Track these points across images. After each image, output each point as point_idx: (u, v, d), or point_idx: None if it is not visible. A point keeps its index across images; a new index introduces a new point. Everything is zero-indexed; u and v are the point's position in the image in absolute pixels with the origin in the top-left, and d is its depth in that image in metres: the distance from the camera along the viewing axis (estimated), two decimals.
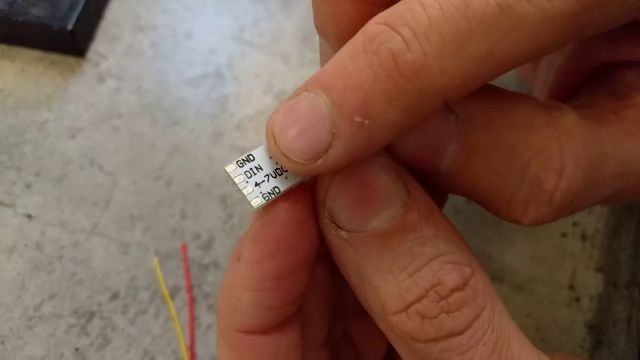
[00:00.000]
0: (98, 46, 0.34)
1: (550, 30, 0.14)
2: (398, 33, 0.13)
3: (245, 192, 0.16)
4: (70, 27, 0.32)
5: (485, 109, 0.16)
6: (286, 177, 0.17)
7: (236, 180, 0.16)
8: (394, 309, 0.15)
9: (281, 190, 0.16)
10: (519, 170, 0.16)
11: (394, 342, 0.16)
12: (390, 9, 0.14)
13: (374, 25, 0.14)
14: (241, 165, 0.16)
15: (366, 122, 0.14)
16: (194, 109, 0.33)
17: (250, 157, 0.16)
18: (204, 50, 0.35)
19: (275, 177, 0.16)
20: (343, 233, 0.16)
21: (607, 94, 0.19)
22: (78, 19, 0.33)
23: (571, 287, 0.31)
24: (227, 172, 0.16)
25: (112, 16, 0.35)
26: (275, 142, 0.15)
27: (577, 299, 0.30)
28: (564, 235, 0.31)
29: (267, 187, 0.16)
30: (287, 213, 0.16)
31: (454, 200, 0.32)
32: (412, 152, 0.17)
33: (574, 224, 0.32)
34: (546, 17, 0.13)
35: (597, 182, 0.17)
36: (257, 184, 0.16)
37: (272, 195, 0.16)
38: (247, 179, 0.16)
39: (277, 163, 0.16)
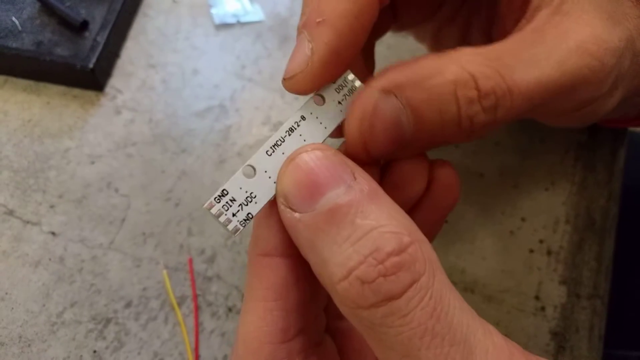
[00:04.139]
0: (115, 82, 0.38)
1: None
2: None
3: (225, 224, 0.20)
4: (91, 65, 0.36)
5: (409, 77, 0.21)
6: (255, 202, 0.20)
7: (218, 217, 0.20)
8: (339, 277, 0.18)
9: (254, 215, 0.20)
10: (453, 101, 0.21)
11: (346, 314, 0.19)
12: None
13: None
14: (218, 201, 0.20)
15: (324, 18, 0.21)
16: (200, 139, 0.37)
17: (224, 191, 0.20)
18: (209, 85, 0.39)
19: (247, 204, 0.20)
20: (296, 215, 0.19)
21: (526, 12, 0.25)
22: (98, 59, 0.37)
23: (537, 297, 0.34)
24: (209, 211, 0.20)
25: (127, 55, 0.39)
26: (284, 78, 0.21)
27: (542, 309, 0.34)
28: (531, 251, 0.35)
29: (242, 215, 0.20)
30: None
31: (448, 216, 0.35)
32: (384, 139, 0.21)
33: (540, 241, 0.35)
34: None
35: (514, 90, 0.21)
36: (234, 215, 0.20)
37: (247, 221, 0.20)
38: (225, 212, 0.20)
39: (246, 192, 0.20)
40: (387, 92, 0.21)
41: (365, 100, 0.21)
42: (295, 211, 0.19)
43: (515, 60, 0.21)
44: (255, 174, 0.21)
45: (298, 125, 0.22)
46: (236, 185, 0.20)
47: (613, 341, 0.45)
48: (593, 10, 0.23)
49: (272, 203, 0.21)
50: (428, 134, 0.21)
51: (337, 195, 0.18)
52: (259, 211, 0.20)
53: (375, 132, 0.21)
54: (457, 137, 0.22)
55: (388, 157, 0.23)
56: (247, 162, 0.21)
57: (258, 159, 0.21)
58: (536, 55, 0.22)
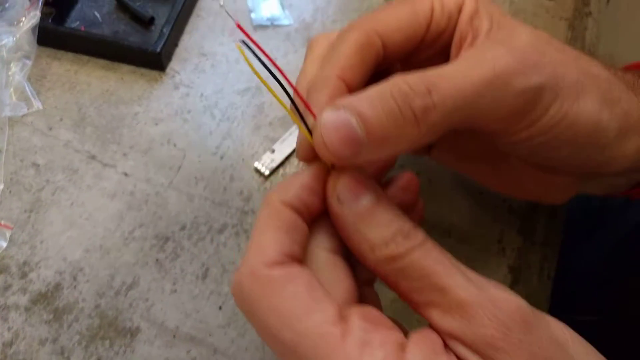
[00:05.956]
0: (174, 65, 0.49)
1: None
2: None
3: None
4: (158, 50, 0.47)
5: (358, 96, 0.25)
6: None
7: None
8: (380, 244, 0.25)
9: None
10: (389, 98, 0.25)
11: (383, 271, 0.25)
12: None
13: None
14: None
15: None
16: (240, 110, 0.47)
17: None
18: (248, 71, 0.49)
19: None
20: (345, 207, 0.26)
21: None
22: (163, 46, 0.47)
23: (499, 241, 0.43)
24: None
25: (184, 45, 0.50)
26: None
27: (503, 250, 0.43)
28: (496, 207, 0.45)
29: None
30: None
31: (433, 178, 0.45)
32: (338, 141, 0.24)
33: (504, 201, 0.45)
34: None
35: (440, 89, 0.27)
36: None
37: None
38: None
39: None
40: (336, 107, 0.24)
41: (319, 116, 0.24)
42: (344, 204, 0.26)
43: (443, 75, 0.26)
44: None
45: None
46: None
47: (566, 308, 0.54)
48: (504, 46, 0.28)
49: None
50: (380, 134, 0.24)
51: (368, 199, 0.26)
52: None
53: (329, 136, 0.24)
54: (409, 135, 0.25)
55: (358, 161, 0.25)
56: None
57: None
58: (456, 72, 0.27)
